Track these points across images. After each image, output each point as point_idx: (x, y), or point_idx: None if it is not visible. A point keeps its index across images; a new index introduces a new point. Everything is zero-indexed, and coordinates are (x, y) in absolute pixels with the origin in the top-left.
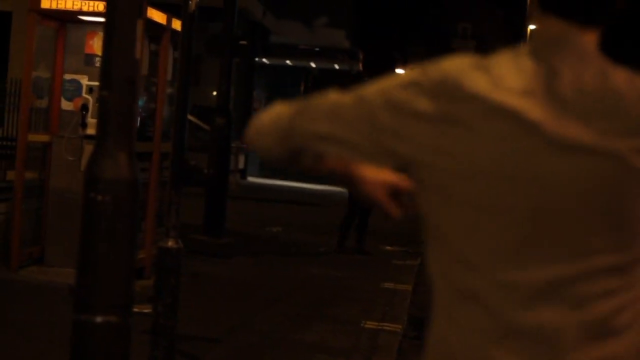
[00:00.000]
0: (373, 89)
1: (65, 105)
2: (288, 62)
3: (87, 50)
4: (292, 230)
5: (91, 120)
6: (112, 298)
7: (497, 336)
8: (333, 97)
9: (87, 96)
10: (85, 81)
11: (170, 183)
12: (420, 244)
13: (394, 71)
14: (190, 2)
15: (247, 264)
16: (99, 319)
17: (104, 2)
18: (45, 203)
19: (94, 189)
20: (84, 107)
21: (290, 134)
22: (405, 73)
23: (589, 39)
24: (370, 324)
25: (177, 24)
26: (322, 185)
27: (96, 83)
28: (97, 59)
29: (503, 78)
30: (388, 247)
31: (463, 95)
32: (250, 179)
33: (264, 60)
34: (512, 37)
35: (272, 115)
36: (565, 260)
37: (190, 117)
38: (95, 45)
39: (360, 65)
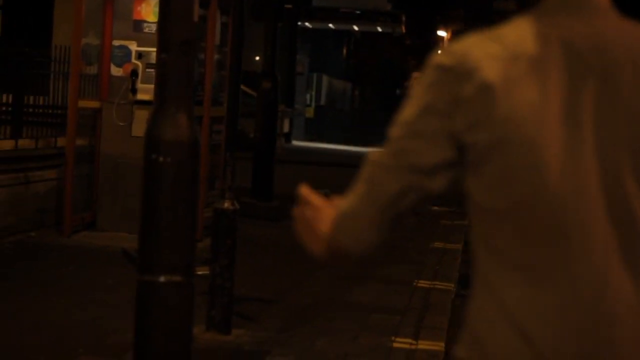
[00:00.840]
0: (405, 111)
1: (115, 71)
2: (331, 25)
3: (136, 17)
4: (339, 192)
5: (141, 86)
6: (175, 258)
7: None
8: (375, 155)
9: (136, 62)
10: (134, 47)
11: (225, 145)
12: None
13: (435, 33)
14: None
15: None
16: (162, 279)
17: None
18: (96, 168)
19: (155, 151)
20: (134, 73)
21: (379, 212)
22: (421, 76)
23: None
24: (422, 283)
25: None
26: (368, 148)
27: (145, 49)
28: (146, 25)
29: (518, 45)
30: (435, 207)
31: (482, 69)
32: (295, 142)
33: (307, 24)
34: None
35: (343, 214)
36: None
37: None
38: (144, 11)
39: (403, 28)
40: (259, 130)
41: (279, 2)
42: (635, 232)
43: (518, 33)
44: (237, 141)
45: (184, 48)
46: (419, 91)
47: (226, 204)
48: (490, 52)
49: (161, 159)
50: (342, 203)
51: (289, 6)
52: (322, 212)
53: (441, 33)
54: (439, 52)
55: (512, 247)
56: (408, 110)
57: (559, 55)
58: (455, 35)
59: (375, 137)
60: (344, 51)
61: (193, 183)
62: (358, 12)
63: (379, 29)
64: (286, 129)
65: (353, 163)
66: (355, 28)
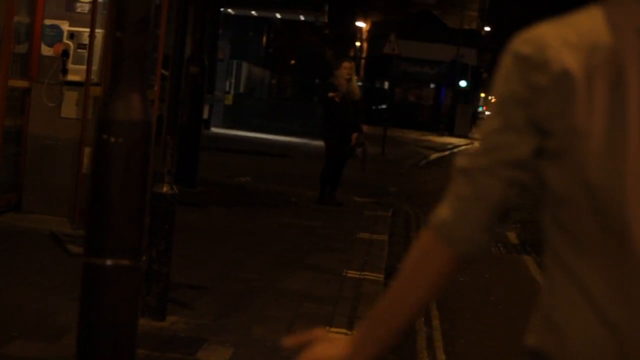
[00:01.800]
0: (491, 108)
1: (46, 50)
2: (253, 12)
3: None
4: (260, 180)
5: (72, 66)
6: (123, 241)
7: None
8: (468, 158)
9: (68, 42)
10: (66, 27)
11: (166, 129)
12: (388, 195)
13: (355, 24)
14: None
15: (223, 213)
16: (109, 262)
17: None
18: (23, 149)
19: (106, 131)
20: (65, 53)
21: (490, 214)
22: (502, 65)
23: None
24: (351, 273)
25: None
26: (285, 137)
27: (77, 29)
28: (79, 4)
29: (595, 35)
30: (357, 198)
31: (561, 58)
32: (214, 129)
33: (229, 10)
34: None
35: (449, 223)
36: None
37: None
38: None
39: (326, 17)
40: (185, 115)
41: None
42: None
43: (593, 22)
44: (159, 125)
45: (140, 26)
46: (500, 82)
47: (165, 188)
48: (569, 41)
49: (112, 139)
50: (442, 212)
51: None
52: (320, 341)
53: (360, 24)
54: (516, 38)
55: (591, 233)
56: (492, 105)
57: (636, 45)
58: (374, 26)
59: (293, 126)
60: (264, 39)
61: (144, 165)
62: None
63: (302, 17)
64: (205, 115)
65: (271, 152)
66: (278, 16)
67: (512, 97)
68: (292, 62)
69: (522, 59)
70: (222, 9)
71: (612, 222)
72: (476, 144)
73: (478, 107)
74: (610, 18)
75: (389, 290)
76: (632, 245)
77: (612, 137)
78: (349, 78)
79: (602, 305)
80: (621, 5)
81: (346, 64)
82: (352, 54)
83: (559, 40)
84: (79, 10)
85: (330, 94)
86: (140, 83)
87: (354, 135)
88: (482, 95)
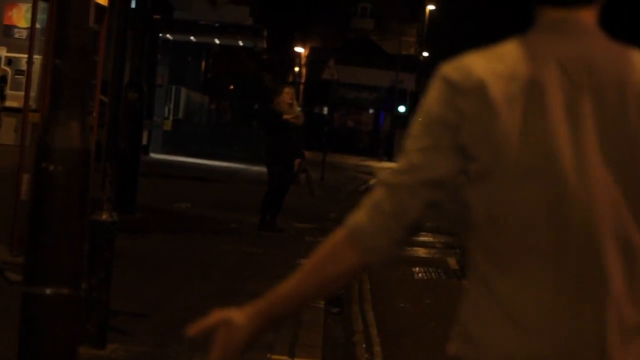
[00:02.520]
0: (416, 124)
1: None
2: (192, 38)
3: (6, 22)
4: (200, 206)
5: (9, 92)
6: (62, 270)
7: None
8: (387, 175)
9: (5, 68)
10: (3, 53)
11: (105, 156)
12: (328, 221)
13: (293, 49)
14: None
15: (163, 240)
16: (49, 291)
17: None
18: None
19: (45, 159)
20: (2, 79)
21: (406, 230)
22: (429, 86)
23: (588, 17)
24: None
25: None
26: (224, 162)
27: (15, 55)
28: (17, 30)
29: (516, 65)
30: (297, 224)
31: (486, 87)
32: (153, 155)
33: (168, 36)
34: (411, 16)
35: (365, 232)
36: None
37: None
38: (15, 16)
39: (265, 42)
40: (123, 141)
41: (146, 12)
42: (631, 244)
43: (516, 53)
44: (97, 151)
45: (79, 54)
46: (429, 104)
47: (104, 216)
48: (494, 70)
49: (52, 167)
50: (360, 218)
51: (157, 17)
52: (221, 326)
53: (298, 49)
54: (447, 64)
55: (511, 252)
56: (418, 124)
57: (556, 75)
58: (312, 51)
59: (232, 151)
60: (203, 64)
61: (84, 193)
62: (217, 24)
63: (241, 43)
64: (144, 141)
65: (211, 177)
66: (217, 41)
67: (440, 120)
68: (231, 87)
69: (451, 85)
70: (160, 35)
71: (532, 241)
72: (400, 159)
73: None
74: (531, 49)
75: (293, 276)
76: (551, 263)
77: (533, 160)
78: (291, 103)
79: (520, 319)
80: (541, 36)
81: (287, 90)
82: (290, 79)
83: (484, 69)
84: (16, 36)
85: (286, 117)
86: (80, 111)
87: (297, 161)
88: None
